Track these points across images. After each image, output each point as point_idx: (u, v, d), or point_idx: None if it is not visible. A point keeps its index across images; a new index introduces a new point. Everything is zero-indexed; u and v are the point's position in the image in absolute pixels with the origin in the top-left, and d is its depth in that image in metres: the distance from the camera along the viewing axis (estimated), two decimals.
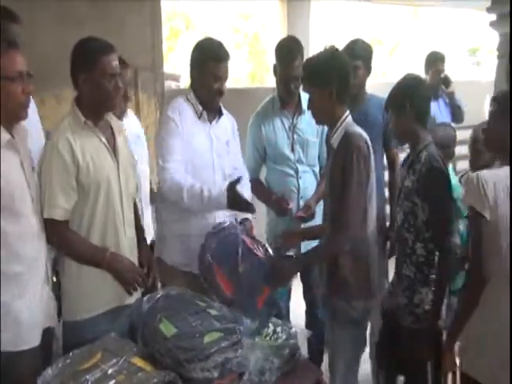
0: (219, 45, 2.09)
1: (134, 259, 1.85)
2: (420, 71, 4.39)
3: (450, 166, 2.34)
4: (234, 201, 1.91)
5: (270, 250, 2.03)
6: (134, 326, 1.73)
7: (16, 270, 1.53)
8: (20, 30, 1.91)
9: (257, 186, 2.45)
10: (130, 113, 2.53)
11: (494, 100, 1.76)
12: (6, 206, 1.48)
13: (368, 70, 2.63)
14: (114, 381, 1.36)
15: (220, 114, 2.18)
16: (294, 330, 1.80)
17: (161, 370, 1.44)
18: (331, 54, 1.86)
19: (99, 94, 1.68)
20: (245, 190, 2.24)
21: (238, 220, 2.09)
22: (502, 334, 1.56)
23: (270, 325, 1.82)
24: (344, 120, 1.86)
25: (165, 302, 1.69)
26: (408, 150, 2.08)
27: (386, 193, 2.82)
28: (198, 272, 2.14)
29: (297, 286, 2.71)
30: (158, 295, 1.73)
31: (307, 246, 2.30)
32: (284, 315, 2.61)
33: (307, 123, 2.49)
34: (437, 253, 1.87)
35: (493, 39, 3.66)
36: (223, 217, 2.13)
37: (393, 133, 2.06)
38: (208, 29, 7.44)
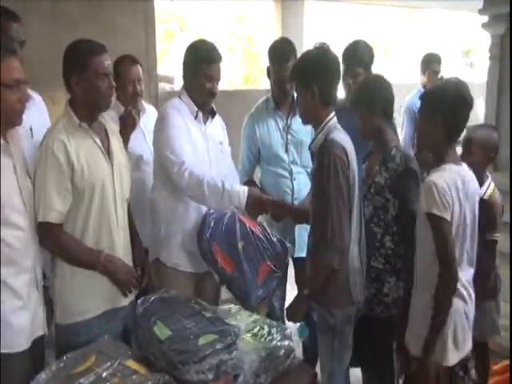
0: (211, 46, 2.09)
1: (129, 261, 1.84)
2: (414, 72, 4.42)
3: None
4: (254, 203, 1.92)
5: (267, 228, 2.08)
6: (128, 328, 1.73)
7: (4, 274, 1.51)
8: (21, 28, 1.92)
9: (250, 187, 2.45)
10: (149, 107, 2.52)
11: (421, 99, 1.80)
12: None
13: (368, 72, 2.62)
14: None
15: (213, 114, 2.19)
16: (288, 331, 1.80)
17: (155, 373, 1.45)
18: (317, 52, 1.82)
19: (93, 94, 1.68)
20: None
21: None
22: None
23: (265, 326, 1.82)
24: (326, 123, 1.81)
25: (159, 305, 1.69)
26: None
27: None
28: (199, 271, 2.14)
29: (291, 288, 2.71)
30: (152, 298, 1.73)
31: (301, 230, 2.36)
32: (279, 317, 2.61)
33: (301, 124, 2.49)
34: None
35: (485, 41, 3.68)
36: None
37: (360, 130, 2.01)
38: (202, 31, 7.44)
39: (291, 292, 2.72)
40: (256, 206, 1.94)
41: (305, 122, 1.94)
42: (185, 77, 2.14)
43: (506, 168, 3.07)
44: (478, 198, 1.82)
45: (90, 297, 1.72)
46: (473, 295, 1.79)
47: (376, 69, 2.65)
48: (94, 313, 1.72)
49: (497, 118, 3.19)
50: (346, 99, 2.50)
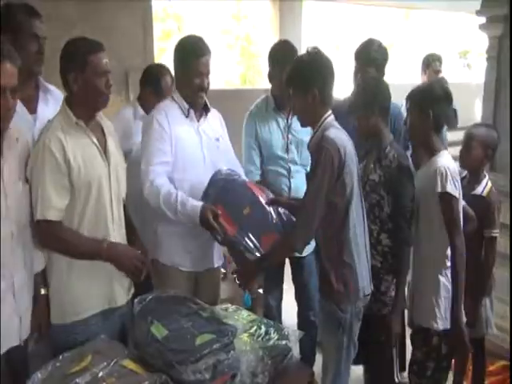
0: (198, 40, 2.08)
1: None
2: (413, 72, 4.43)
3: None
4: (207, 222, 1.89)
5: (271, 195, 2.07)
6: (124, 328, 1.72)
7: None
8: (43, 25, 1.91)
9: None
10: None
11: (410, 98, 2.03)
12: None
13: (381, 73, 2.61)
14: None
15: (206, 110, 2.17)
16: (285, 330, 1.80)
17: (152, 373, 1.44)
18: (312, 56, 1.85)
19: (91, 93, 1.67)
20: None
21: None
22: None
23: (262, 326, 1.82)
24: (323, 121, 1.84)
25: (156, 304, 1.68)
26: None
27: None
28: (198, 269, 2.14)
29: (289, 288, 2.72)
30: (149, 297, 1.72)
31: None
32: (276, 316, 2.61)
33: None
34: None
35: (483, 42, 3.69)
36: None
37: (358, 130, 2.09)
38: (200, 30, 7.42)
39: (288, 292, 2.73)
40: (208, 226, 1.90)
41: (304, 124, 1.96)
42: (175, 75, 2.14)
43: (503, 168, 3.08)
44: None
45: (86, 296, 1.71)
46: None
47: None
48: (91, 312, 1.71)
49: (494, 118, 3.20)
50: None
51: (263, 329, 1.79)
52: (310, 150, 1.90)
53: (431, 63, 3.86)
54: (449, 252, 1.95)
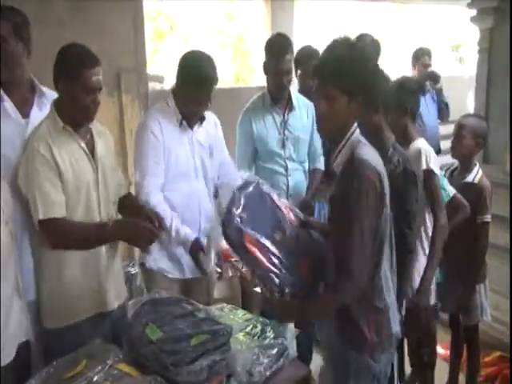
0: (207, 66, 1.97)
1: (114, 264, 1.83)
2: (404, 66, 4.42)
3: None
4: (195, 257, 1.94)
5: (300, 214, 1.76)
6: (118, 331, 1.71)
7: None
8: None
9: None
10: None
11: (395, 96, 2.07)
12: None
13: None
14: None
15: (202, 119, 2.13)
16: (282, 328, 1.79)
17: (147, 375, 1.43)
18: (362, 52, 1.54)
19: (77, 107, 1.66)
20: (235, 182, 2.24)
21: None
22: None
23: (258, 324, 1.81)
24: (350, 136, 1.51)
25: (150, 306, 1.67)
26: None
27: None
28: (186, 277, 2.13)
29: None
30: (143, 299, 1.71)
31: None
32: None
33: (298, 120, 2.50)
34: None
35: (475, 35, 3.69)
36: (210, 213, 2.14)
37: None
38: (192, 30, 7.40)
39: None
40: (198, 257, 1.94)
41: (327, 134, 1.61)
42: (176, 82, 2.07)
43: (495, 160, 3.09)
44: None
45: (78, 300, 1.70)
46: None
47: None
48: (83, 316, 1.71)
49: (486, 110, 3.21)
50: None
51: (259, 327, 1.79)
52: (336, 169, 1.55)
53: (420, 57, 3.86)
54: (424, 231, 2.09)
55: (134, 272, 2.86)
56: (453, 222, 2.27)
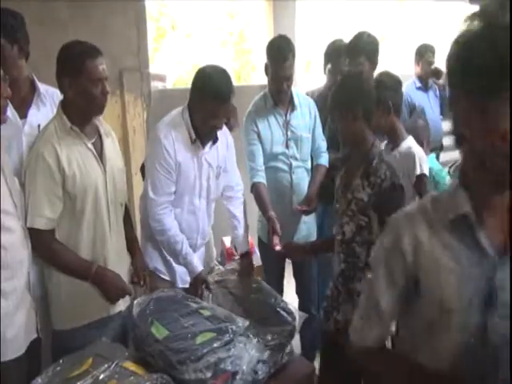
0: (225, 81, 1.95)
1: (123, 266, 1.83)
2: (407, 63, 4.41)
3: (432, 155, 2.39)
4: (195, 291, 1.97)
5: None
6: (124, 330, 1.72)
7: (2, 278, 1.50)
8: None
9: (258, 192, 2.41)
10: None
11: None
12: None
13: (373, 63, 2.62)
14: None
15: (215, 140, 2.10)
16: (290, 307, 1.81)
17: (153, 373, 1.43)
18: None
19: (86, 99, 1.65)
20: (239, 224, 2.27)
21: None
22: None
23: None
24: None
25: (156, 305, 1.68)
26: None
27: None
28: (175, 284, 2.15)
29: (290, 282, 2.72)
30: (149, 298, 1.72)
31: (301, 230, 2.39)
32: None
33: (300, 119, 2.51)
34: None
35: None
36: (207, 231, 2.19)
37: (340, 136, 1.86)
38: (194, 28, 7.40)
39: (287, 287, 2.73)
40: (197, 292, 1.97)
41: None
42: (191, 97, 2.03)
43: None
44: None
45: (86, 303, 1.71)
46: None
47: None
48: (90, 319, 1.71)
49: None
50: None
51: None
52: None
53: (424, 54, 3.85)
54: None
55: None
56: None
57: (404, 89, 3.90)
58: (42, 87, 1.92)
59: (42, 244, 1.65)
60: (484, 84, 0.85)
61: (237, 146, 2.37)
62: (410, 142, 2.11)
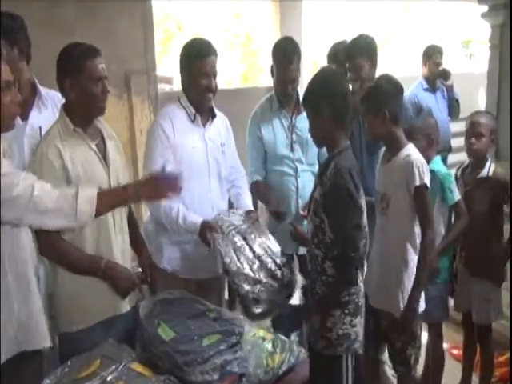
0: (203, 41, 2.07)
1: (128, 265, 1.84)
2: (413, 64, 4.40)
3: (438, 157, 2.36)
4: (204, 238, 1.94)
5: None
6: (131, 331, 1.73)
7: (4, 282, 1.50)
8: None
9: (257, 188, 2.42)
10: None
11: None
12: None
13: (374, 64, 2.62)
14: None
15: (213, 116, 2.15)
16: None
17: (160, 375, 1.44)
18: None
19: (87, 99, 1.66)
20: (244, 192, 2.26)
21: (242, 214, 2.09)
22: None
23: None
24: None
25: (162, 307, 1.69)
26: None
27: None
28: (199, 278, 2.13)
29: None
30: (156, 299, 1.73)
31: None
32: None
33: (306, 122, 2.48)
34: None
35: (485, 31, 3.65)
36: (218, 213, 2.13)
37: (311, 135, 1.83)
38: (200, 30, 7.43)
39: None
40: (207, 237, 1.93)
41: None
42: (182, 78, 2.12)
43: (507, 157, 3.05)
44: None
45: (92, 305, 1.70)
46: None
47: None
48: (96, 319, 1.71)
49: (497, 107, 3.17)
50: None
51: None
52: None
53: (431, 55, 3.83)
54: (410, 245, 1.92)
55: None
56: (454, 231, 2.27)
57: (411, 90, 3.92)
58: (42, 90, 1.93)
59: (50, 245, 1.65)
60: None
61: (239, 146, 2.38)
62: (409, 150, 1.94)
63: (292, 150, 2.45)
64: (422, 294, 1.90)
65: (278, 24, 4.70)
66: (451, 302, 2.46)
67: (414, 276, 1.86)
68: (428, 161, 2.34)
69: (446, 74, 3.82)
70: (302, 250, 2.33)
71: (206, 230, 1.93)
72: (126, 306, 1.79)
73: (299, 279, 1.94)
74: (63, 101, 1.75)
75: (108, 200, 1.64)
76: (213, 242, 1.90)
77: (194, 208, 2.05)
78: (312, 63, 6.12)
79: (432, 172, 2.30)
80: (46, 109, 1.85)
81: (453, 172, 2.44)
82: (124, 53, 3.63)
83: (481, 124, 2.31)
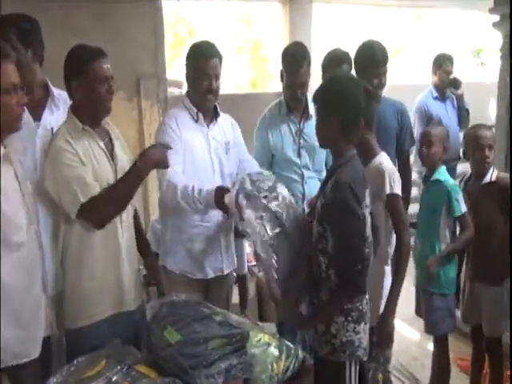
0: (206, 43, 2.12)
1: (133, 265, 1.85)
2: (425, 73, 4.39)
3: (443, 167, 2.35)
4: (221, 203, 1.91)
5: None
6: (137, 333, 1.74)
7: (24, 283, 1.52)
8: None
9: None
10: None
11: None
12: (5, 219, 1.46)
13: (386, 73, 2.63)
14: None
15: (217, 115, 2.17)
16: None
17: (165, 377, 1.45)
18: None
19: (93, 99, 1.70)
20: (253, 167, 2.23)
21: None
22: None
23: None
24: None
25: (169, 309, 1.69)
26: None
27: None
28: (206, 277, 2.14)
29: None
30: (162, 302, 1.73)
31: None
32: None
33: (314, 128, 2.48)
34: None
35: (496, 40, 3.64)
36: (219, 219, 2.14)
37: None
38: (210, 35, 7.48)
39: None
40: (224, 202, 1.90)
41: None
42: (186, 79, 2.16)
43: None
44: None
45: (98, 301, 1.73)
46: None
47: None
48: (102, 315, 1.73)
49: (509, 117, 3.15)
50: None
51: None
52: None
53: (442, 64, 3.82)
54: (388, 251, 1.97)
55: None
56: (459, 243, 2.25)
57: (420, 98, 3.91)
58: (55, 91, 1.97)
59: (101, 205, 1.67)
60: None
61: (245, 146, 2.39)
62: (381, 158, 1.92)
63: (299, 155, 2.45)
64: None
65: (288, 29, 4.72)
66: (458, 313, 2.45)
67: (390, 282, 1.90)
68: (434, 170, 2.34)
69: (456, 83, 3.81)
70: None
71: (220, 196, 1.90)
72: (131, 304, 1.80)
73: None
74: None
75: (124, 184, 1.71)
76: (232, 211, 1.84)
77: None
78: (321, 68, 6.13)
79: (439, 182, 2.30)
80: (58, 110, 1.89)
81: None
82: (135, 56, 3.67)
83: (483, 137, 2.33)
